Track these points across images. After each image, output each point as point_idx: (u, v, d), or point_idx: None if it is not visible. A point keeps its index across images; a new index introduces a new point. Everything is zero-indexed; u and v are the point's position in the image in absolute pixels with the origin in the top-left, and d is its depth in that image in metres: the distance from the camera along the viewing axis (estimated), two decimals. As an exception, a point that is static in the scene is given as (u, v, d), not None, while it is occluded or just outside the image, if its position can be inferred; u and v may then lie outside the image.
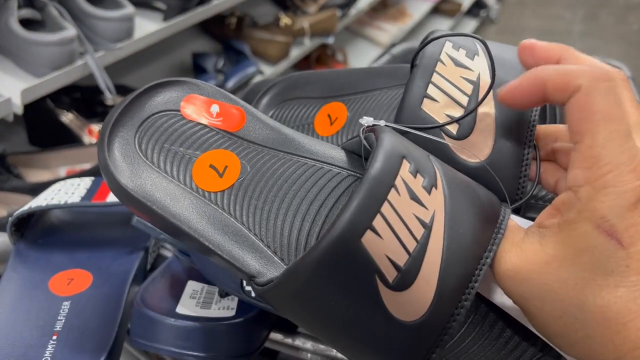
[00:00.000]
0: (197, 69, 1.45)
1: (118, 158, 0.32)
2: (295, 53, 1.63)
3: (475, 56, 0.36)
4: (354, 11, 1.88)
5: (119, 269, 0.47)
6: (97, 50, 1.04)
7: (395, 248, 0.25)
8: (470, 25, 3.18)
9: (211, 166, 0.34)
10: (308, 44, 1.66)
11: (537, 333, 0.28)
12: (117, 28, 1.06)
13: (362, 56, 2.17)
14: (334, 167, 0.34)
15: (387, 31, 2.24)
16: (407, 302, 0.26)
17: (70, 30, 0.96)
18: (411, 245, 0.26)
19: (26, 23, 0.96)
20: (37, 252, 0.49)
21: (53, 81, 0.97)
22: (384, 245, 0.25)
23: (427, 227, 0.26)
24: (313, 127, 0.44)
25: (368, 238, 0.25)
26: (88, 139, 1.16)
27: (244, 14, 1.62)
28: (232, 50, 1.50)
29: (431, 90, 0.34)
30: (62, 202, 0.48)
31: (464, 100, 0.34)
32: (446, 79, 0.35)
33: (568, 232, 0.25)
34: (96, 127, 1.18)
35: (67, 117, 1.15)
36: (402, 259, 0.25)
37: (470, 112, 0.33)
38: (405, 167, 0.27)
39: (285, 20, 1.59)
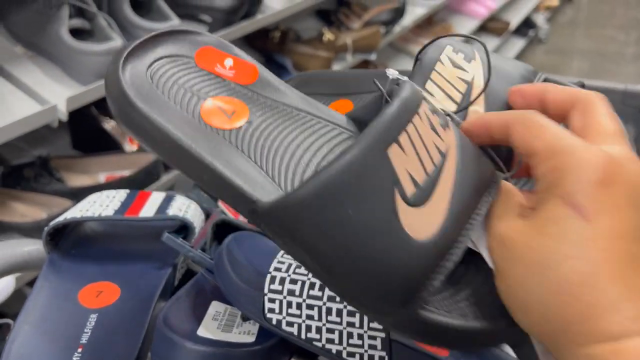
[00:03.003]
0: (239, 81, 1.47)
1: (129, 82, 0.32)
2: (337, 68, 1.63)
3: (472, 60, 0.39)
4: (398, 28, 1.87)
5: (147, 283, 0.48)
6: (142, 61, 1.07)
7: (416, 166, 0.27)
8: (517, 44, 3.14)
9: (220, 108, 0.34)
10: (350, 60, 1.66)
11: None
12: (163, 39, 1.08)
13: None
14: (343, 129, 0.35)
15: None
16: (420, 219, 0.27)
17: (117, 41, 0.99)
18: (429, 167, 0.28)
19: (75, 32, 0.99)
20: (69, 263, 0.50)
21: (97, 90, 0.99)
22: (406, 160, 0.27)
23: (443, 156, 0.29)
24: None
25: (393, 150, 0.27)
26: (129, 146, 1.19)
27: (288, 28, 1.64)
28: (274, 64, 1.52)
29: (429, 85, 0.38)
30: (97, 214, 0.49)
31: (458, 97, 0.38)
32: (444, 77, 0.38)
33: (541, 208, 0.27)
34: (138, 135, 1.20)
35: (110, 124, 1.18)
36: (420, 177, 0.27)
37: (463, 109, 0.37)
38: (425, 105, 0.29)
39: (328, 35, 1.60)
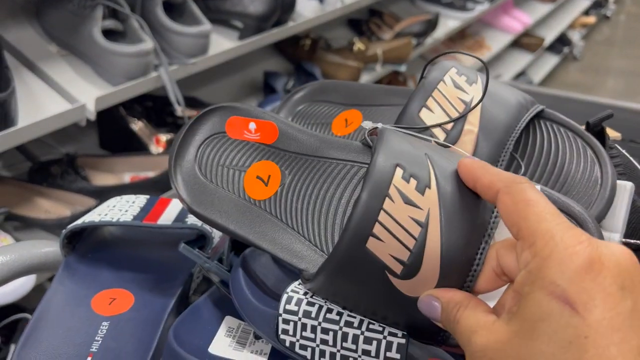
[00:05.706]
0: (267, 88, 1.47)
1: (183, 188, 0.39)
2: (366, 78, 1.62)
3: (474, 84, 0.43)
4: (430, 40, 1.85)
5: (161, 294, 0.47)
6: (171, 64, 1.07)
7: (397, 247, 0.31)
8: (551, 61, 3.09)
9: (258, 177, 0.40)
10: (379, 70, 1.65)
11: None
12: (193, 44, 1.09)
13: (434, 85, 2.13)
14: (356, 164, 0.40)
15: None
16: (415, 286, 0.31)
17: (148, 43, 0.99)
18: (410, 243, 0.31)
19: (108, 33, 1.00)
20: (85, 267, 0.49)
21: (126, 91, 1.00)
22: (386, 247, 0.31)
23: (424, 225, 0.31)
24: (330, 127, 0.52)
25: (371, 243, 0.31)
26: (155, 147, 1.19)
27: (318, 37, 1.63)
28: (303, 71, 1.51)
29: (430, 102, 0.42)
30: (115, 219, 0.49)
31: (455, 115, 0.41)
32: (444, 96, 0.42)
33: (525, 305, 0.25)
34: (163, 137, 1.21)
35: (137, 125, 1.19)
36: (404, 256, 0.31)
37: (453, 120, 0.41)
38: (399, 174, 0.32)
39: (358, 45, 1.59)
